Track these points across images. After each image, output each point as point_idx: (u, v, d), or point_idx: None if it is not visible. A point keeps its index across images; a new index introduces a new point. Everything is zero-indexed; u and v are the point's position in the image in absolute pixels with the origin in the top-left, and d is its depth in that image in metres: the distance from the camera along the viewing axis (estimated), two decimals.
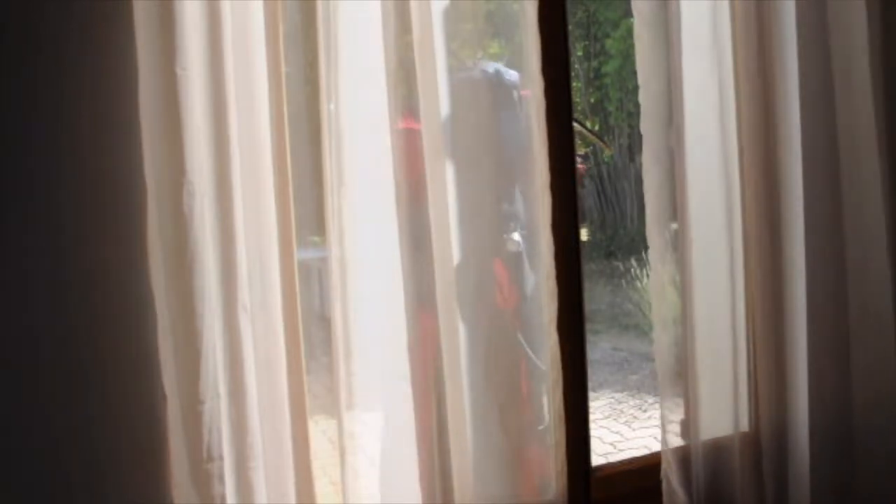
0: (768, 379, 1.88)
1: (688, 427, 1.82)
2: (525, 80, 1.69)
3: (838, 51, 1.85)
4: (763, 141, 1.86)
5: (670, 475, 1.79)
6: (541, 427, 1.84)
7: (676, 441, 1.82)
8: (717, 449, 1.83)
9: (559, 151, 1.71)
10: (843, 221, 1.89)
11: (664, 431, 1.82)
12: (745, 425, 1.88)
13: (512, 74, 1.75)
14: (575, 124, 1.83)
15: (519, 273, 1.75)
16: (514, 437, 1.69)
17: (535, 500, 1.75)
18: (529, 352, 1.77)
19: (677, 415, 1.84)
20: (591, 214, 9.50)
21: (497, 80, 1.73)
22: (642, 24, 1.76)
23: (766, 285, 1.87)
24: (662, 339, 1.81)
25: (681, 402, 1.84)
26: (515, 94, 1.75)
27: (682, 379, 1.82)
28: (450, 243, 1.58)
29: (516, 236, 1.75)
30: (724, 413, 1.84)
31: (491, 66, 1.73)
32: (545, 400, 1.79)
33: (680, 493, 1.79)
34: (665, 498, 1.79)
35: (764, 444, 1.88)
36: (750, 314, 1.87)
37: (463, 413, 1.60)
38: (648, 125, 1.77)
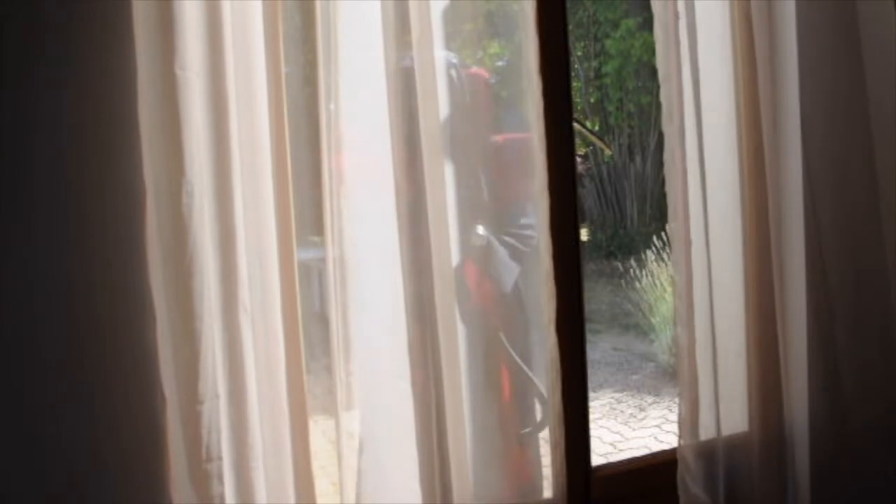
0: (768, 378, 1.87)
1: (687, 427, 1.82)
2: (523, 77, 1.68)
3: (844, 51, 1.86)
4: (763, 139, 1.86)
5: (686, 475, 1.78)
6: (526, 430, 1.83)
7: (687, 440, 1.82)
8: (717, 448, 1.83)
9: (559, 151, 1.71)
10: (844, 220, 1.89)
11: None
12: (745, 425, 1.88)
13: (448, 56, 1.70)
14: (575, 124, 1.82)
15: (491, 267, 1.71)
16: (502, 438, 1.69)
17: (534, 501, 1.76)
18: (513, 352, 1.76)
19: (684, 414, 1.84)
20: (591, 214, 9.50)
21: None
22: (659, 22, 1.75)
23: (766, 284, 1.87)
24: (672, 339, 1.81)
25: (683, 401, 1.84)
26: (454, 73, 1.71)
27: (683, 379, 1.82)
28: (449, 243, 1.58)
29: (480, 230, 1.72)
30: (724, 413, 1.84)
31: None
32: (535, 402, 1.78)
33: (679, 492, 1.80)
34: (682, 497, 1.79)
35: (764, 444, 1.87)
36: (750, 313, 1.87)
37: (462, 413, 1.60)
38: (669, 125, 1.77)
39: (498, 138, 1.65)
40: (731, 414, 1.86)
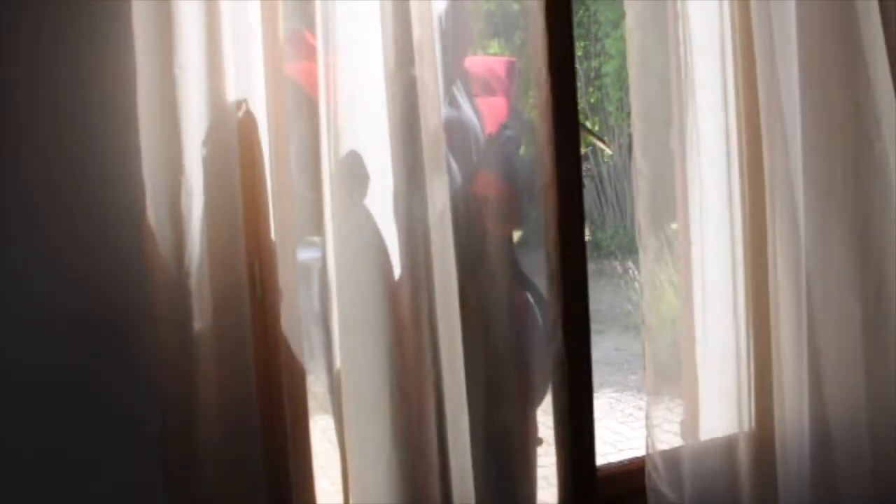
0: (767, 379, 1.87)
1: (687, 427, 1.81)
2: (528, 75, 1.69)
3: (843, 50, 1.85)
4: (763, 140, 1.85)
5: (656, 477, 1.78)
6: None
7: (666, 443, 1.81)
8: (717, 449, 1.83)
9: (562, 150, 1.71)
10: (844, 221, 1.89)
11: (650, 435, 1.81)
12: (744, 425, 1.88)
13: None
14: None
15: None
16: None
17: (536, 501, 1.75)
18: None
19: (672, 415, 1.83)
20: (591, 214, 9.49)
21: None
22: (634, 22, 1.75)
23: (765, 285, 1.87)
24: (658, 340, 1.80)
25: (673, 403, 1.83)
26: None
27: (682, 379, 1.82)
28: (450, 244, 1.58)
29: None
30: (723, 413, 1.84)
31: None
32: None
33: (676, 494, 1.79)
34: (650, 499, 1.78)
35: (763, 445, 1.87)
36: (749, 313, 1.87)
37: (463, 413, 1.60)
38: (640, 124, 1.76)
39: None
40: (731, 414, 1.86)
